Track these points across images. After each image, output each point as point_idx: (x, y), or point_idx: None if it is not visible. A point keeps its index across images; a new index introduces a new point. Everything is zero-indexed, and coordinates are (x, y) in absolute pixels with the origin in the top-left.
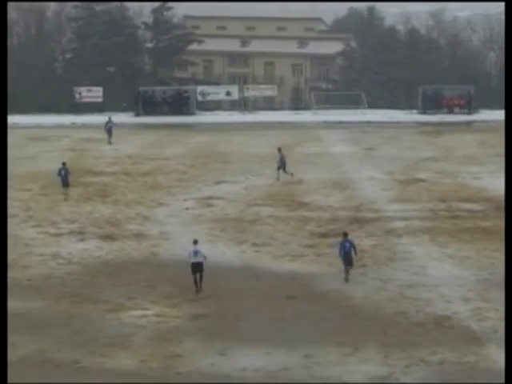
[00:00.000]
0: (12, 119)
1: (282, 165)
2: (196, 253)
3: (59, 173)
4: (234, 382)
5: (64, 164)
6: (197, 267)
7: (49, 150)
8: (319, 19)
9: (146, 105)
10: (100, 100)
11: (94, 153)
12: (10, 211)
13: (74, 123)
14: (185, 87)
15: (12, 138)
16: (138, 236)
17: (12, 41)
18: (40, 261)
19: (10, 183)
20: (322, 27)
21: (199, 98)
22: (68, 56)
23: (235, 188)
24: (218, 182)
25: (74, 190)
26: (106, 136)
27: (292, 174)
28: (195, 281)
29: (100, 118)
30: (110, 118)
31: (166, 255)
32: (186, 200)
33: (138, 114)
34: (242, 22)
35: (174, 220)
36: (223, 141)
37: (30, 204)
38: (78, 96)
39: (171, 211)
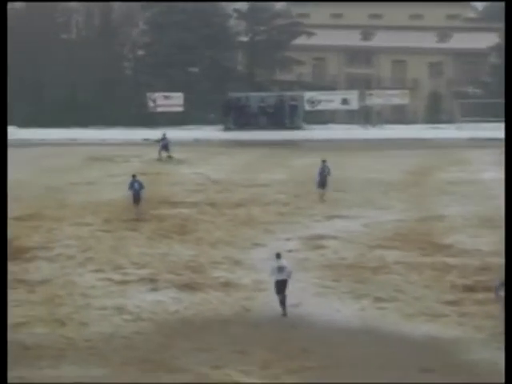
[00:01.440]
0: (68, 134)
1: None
2: (281, 269)
3: (131, 186)
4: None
5: (134, 176)
6: (281, 286)
7: (113, 173)
8: (467, 4)
9: (239, 116)
10: (180, 109)
11: (171, 178)
12: (64, 251)
13: (146, 139)
14: (289, 93)
15: (68, 158)
16: (227, 286)
17: (70, 34)
18: (101, 316)
19: (64, 214)
20: (471, 14)
21: (307, 107)
22: (140, 53)
23: (353, 225)
24: (331, 217)
25: (145, 225)
26: (161, 155)
27: None
28: (282, 300)
29: (180, 133)
30: (164, 135)
31: (262, 311)
32: (288, 240)
33: (227, 128)
34: (363, 8)
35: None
36: (337, 163)
37: (89, 243)
38: (151, 104)
39: (269, 254)
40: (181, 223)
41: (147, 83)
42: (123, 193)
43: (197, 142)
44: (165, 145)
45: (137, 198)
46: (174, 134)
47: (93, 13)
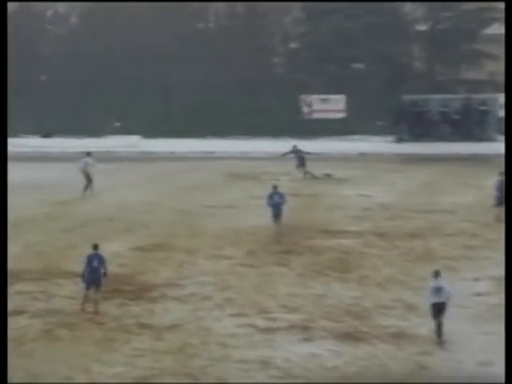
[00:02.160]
0: (203, 145)
1: None
2: (438, 290)
3: (270, 199)
4: None
5: (275, 187)
6: (439, 310)
7: (258, 194)
8: None
9: (414, 124)
10: (341, 115)
11: (329, 200)
12: (197, 290)
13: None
14: (478, 96)
15: (203, 176)
16: (398, 336)
17: (207, 23)
18: (242, 370)
19: (198, 245)
20: None
21: (501, 113)
22: (292, 46)
23: None
24: None
25: (296, 258)
26: (303, 173)
27: None
28: (438, 327)
29: (341, 145)
30: (295, 147)
31: (443, 370)
32: (476, 280)
33: (400, 139)
34: None
35: (456, 312)
36: None
37: (228, 280)
38: (306, 109)
39: (453, 298)
40: (341, 257)
41: (301, 83)
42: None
43: (362, 157)
44: (299, 160)
45: (277, 214)
46: (333, 146)
47: None
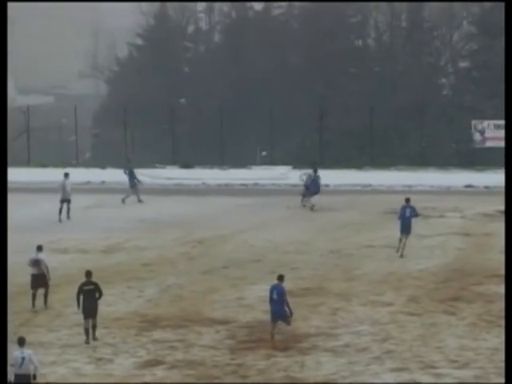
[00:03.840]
0: (361, 177)
1: None
2: None
3: (402, 213)
4: None
5: (408, 201)
6: None
7: (423, 233)
8: None
9: None
10: None
11: (504, 240)
12: (353, 340)
13: (469, 186)
14: None
15: (359, 211)
16: None
17: (366, 40)
18: None
19: (354, 289)
20: None
21: None
22: (463, 65)
23: None
24: None
25: (466, 306)
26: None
27: None
28: None
29: None
30: (315, 172)
31: None
32: None
33: None
34: None
35: None
36: None
37: (388, 330)
38: (478, 136)
39: None
40: None
41: (472, 107)
42: (438, 261)
43: None
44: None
45: (406, 228)
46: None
47: (399, 10)
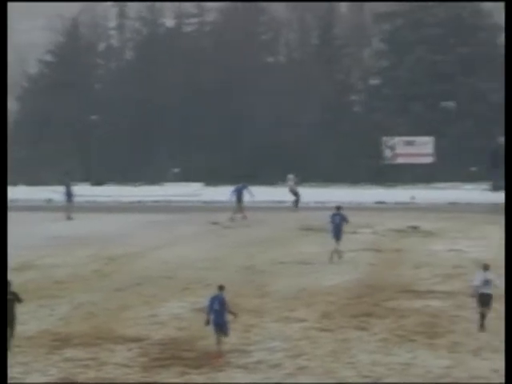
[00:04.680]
0: (274, 194)
1: None
2: (487, 282)
3: (332, 221)
4: None
5: (338, 209)
6: (486, 300)
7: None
8: None
9: None
10: (428, 160)
11: (415, 256)
12: (266, 357)
13: (380, 202)
14: None
15: (270, 228)
16: None
17: (277, 57)
18: None
19: (267, 306)
20: None
21: None
22: (373, 82)
23: None
24: None
25: (378, 322)
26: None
27: None
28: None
29: (428, 194)
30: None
31: None
32: None
33: (497, 187)
34: None
35: None
36: None
37: (301, 346)
38: (388, 153)
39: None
40: (429, 321)
41: (383, 124)
42: (349, 277)
43: (452, 207)
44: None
45: (337, 234)
46: (419, 194)
47: (309, 27)
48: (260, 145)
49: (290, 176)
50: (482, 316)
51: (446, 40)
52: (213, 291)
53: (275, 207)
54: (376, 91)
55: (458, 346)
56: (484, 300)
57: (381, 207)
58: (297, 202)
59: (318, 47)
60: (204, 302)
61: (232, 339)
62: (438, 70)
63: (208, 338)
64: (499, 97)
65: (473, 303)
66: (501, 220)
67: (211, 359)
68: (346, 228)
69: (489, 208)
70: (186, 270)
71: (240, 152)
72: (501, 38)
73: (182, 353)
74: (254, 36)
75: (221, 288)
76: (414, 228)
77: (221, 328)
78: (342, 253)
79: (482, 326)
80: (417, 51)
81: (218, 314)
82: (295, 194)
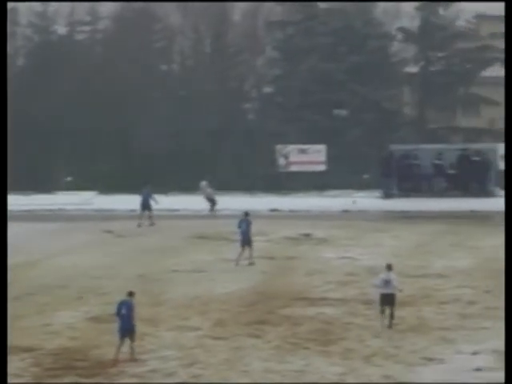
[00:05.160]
0: (166, 202)
1: None
2: (388, 282)
3: (239, 226)
4: None
5: (247, 215)
6: (387, 300)
7: (229, 257)
8: None
9: (404, 177)
10: (321, 168)
11: (308, 264)
12: (160, 366)
13: (274, 209)
14: (476, 145)
15: (166, 236)
16: None
17: (171, 65)
18: None
19: (160, 315)
20: None
21: (502, 165)
22: (267, 90)
23: None
24: None
25: (272, 330)
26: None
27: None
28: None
29: (321, 202)
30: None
31: None
32: (475, 354)
33: (388, 195)
34: None
35: None
36: None
37: (195, 354)
38: (282, 161)
39: (448, 374)
40: (322, 328)
41: (276, 132)
42: (243, 285)
43: (345, 214)
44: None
45: (245, 240)
46: (312, 202)
47: (203, 35)
48: (155, 153)
49: (204, 183)
50: (389, 315)
51: (337, 48)
52: (107, 300)
53: (169, 215)
54: (270, 99)
55: (351, 353)
56: (386, 300)
57: (275, 215)
58: (213, 208)
59: (211, 55)
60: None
61: (127, 348)
62: (330, 78)
63: (101, 347)
64: (391, 105)
65: (365, 310)
66: (392, 228)
67: (105, 368)
68: (236, 236)
69: (380, 216)
70: (79, 278)
71: (135, 160)
72: (392, 47)
73: (75, 362)
74: (147, 44)
75: (130, 294)
76: (307, 236)
77: (128, 333)
78: (252, 259)
79: (388, 326)
80: (309, 59)
81: (126, 319)
82: (211, 200)
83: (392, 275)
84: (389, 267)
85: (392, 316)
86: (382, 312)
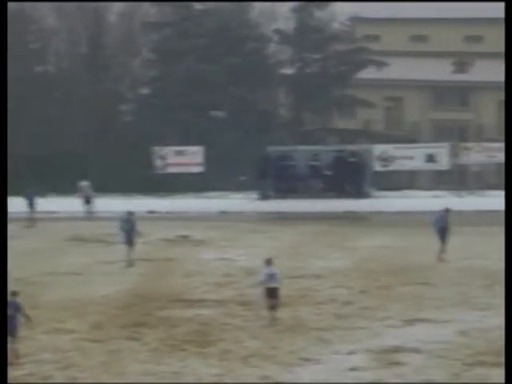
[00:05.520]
0: (42, 204)
1: None
2: (271, 276)
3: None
4: None
5: (130, 214)
6: (272, 293)
7: (106, 259)
8: None
9: (281, 178)
10: (199, 169)
11: (186, 265)
12: (36, 369)
13: (151, 211)
14: (352, 147)
15: (43, 239)
16: None
17: (46, 66)
18: None
19: (37, 317)
20: None
21: (377, 166)
22: (143, 91)
23: (443, 332)
24: (411, 321)
25: (150, 332)
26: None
27: None
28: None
29: (199, 203)
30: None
31: None
32: (350, 353)
33: (265, 196)
34: (456, 26)
35: None
36: (420, 244)
37: (71, 357)
38: (159, 162)
39: (325, 374)
40: (200, 330)
41: (153, 134)
42: (120, 287)
43: (222, 216)
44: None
45: (128, 241)
46: (189, 203)
47: (78, 36)
48: (24, 156)
49: (84, 183)
50: (271, 309)
51: (214, 50)
52: None
53: (47, 218)
54: (146, 101)
55: (229, 354)
56: (271, 293)
57: (152, 217)
58: (90, 209)
59: (87, 56)
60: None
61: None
62: (207, 80)
63: None
64: (268, 106)
65: (242, 311)
66: (269, 229)
67: None
68: (114, 238)
69: (258, 217)
70: None
71: (11, 162)
72: (268, 49)
73: None
74: (22, 45)
75: (14, 294)
76: (185, 237)
77: (12, 333)
78: (133, 261)
79: (273, 320)
80: (185, 61)
81: (11, 319)
82: (88, 201)
83: (274, 269)
84: (269, 262)
85: (276, 309)
86: (269, 306)
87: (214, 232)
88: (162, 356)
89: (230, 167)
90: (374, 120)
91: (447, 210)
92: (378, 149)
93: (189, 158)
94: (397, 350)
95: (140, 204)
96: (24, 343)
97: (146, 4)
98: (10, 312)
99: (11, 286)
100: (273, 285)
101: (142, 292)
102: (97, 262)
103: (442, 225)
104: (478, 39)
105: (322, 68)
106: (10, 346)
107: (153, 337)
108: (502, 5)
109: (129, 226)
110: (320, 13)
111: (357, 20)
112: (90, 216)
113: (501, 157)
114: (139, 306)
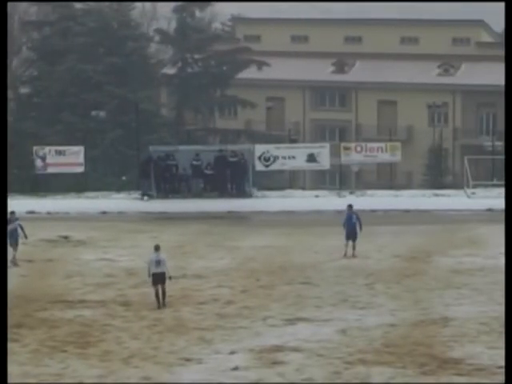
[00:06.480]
0: None
1: None
2: (158, 262)
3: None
4: None
5: (13, 213)
6: (159, 278)
7: None
8: (480, 23)
9: (163, 179)
10: (80, 170)
11: (67, 266)
12: None
13: (31, 212)
14: (233, 147)
15: None
16: None
17: None
18: None
19: None
20: (486, 38)
21: (259, 166)
22: (23, 91)
23: (323, 331)
24: (293, 320)
25: (29, 333)
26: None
27: None
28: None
29: (80, 203)
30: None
31: None
32: (232, 353)
33: (147, 196)
34: (336, 27)
35: None
36: (301, 244)
37: None
38: (39, 162)
39: (206, 374)
40: (81, 330)
41: (34, 133)
42: None
43: (103, 216)
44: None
45: (13, 243)
46: (70, 204)
47: None
48: None
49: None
50: (158, 294)
51: (95, 49)
52: None
53: None
54: (26, 100)
55: (110, 355)
56: (157, 279)
57: (32, 217)
58: None
59: None
60: None
61: None
62: (88, 79)
63: None
64: (149, 106)
65: (123, 312)
66: (150, 229)
67: None
68: None
69: (140, 217)
70: None
71: None
72: (150, 49)
73: None
74: None
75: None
76: (66, 238)
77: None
78: (17, 261)
79: (162, 305)
80: (66, 60)
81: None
82: None
83: (162, 255)
84: (157, 248)
85: (164, 294)
86: (157, 292)
87: (95, 232)
88: (41, 357)
89: (111, 167)
90: (255, 120)
91: (350, 206)
92: (260, 149)
93: (69, 158)
94: (278, 349)
95: (20, 204)
96: None
97: (24, 3)
98: None
99: None
100: (159, 270)
101: (22, 293)
102: None
103: (352, 223)
104: (357, 40)
105: (204, 68)
106: None
107: (32, 338)
108: (382, 6)
109: (11, 227)
110: (201, 13)
111: (238, 20)
112: None
113: (380, 156)
114: (19, 308)
